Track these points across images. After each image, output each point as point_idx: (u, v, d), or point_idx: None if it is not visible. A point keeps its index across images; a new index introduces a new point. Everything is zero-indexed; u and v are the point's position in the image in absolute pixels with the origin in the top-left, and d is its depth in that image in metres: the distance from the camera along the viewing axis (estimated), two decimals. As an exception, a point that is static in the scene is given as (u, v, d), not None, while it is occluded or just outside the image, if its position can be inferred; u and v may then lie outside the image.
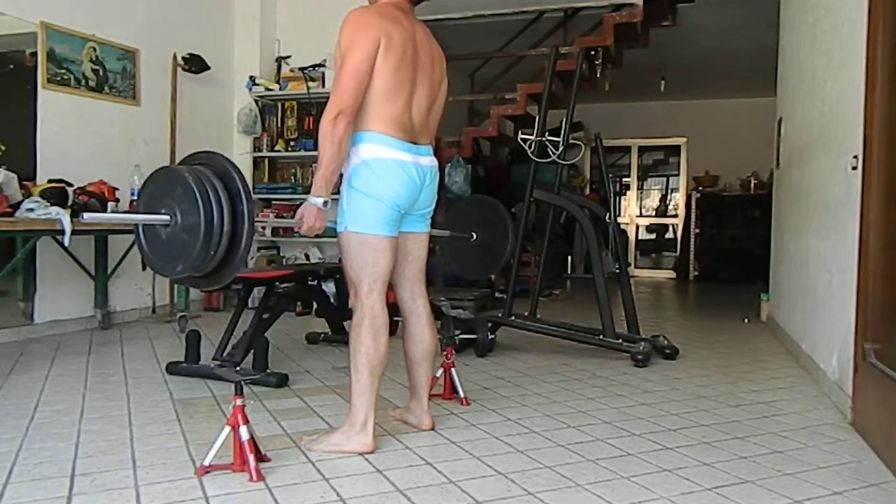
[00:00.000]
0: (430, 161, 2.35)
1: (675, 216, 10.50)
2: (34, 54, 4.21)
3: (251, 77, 5.77)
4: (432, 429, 2.45)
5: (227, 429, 1.98)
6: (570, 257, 9.34)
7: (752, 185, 9.00)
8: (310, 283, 3.91)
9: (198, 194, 1.76)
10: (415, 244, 2.44)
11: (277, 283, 3.56)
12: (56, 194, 3.78)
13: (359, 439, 2.20)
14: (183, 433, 2.38)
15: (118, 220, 1.90)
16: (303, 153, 5.71)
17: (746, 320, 5.35)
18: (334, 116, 2.08)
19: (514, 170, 9.12)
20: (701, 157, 9.82)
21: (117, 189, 4.31)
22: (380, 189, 2.19)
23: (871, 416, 2.38)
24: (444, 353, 2.86)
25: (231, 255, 1.83)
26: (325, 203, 2.14)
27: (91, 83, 4.57)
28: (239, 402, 1.96)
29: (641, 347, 3.68)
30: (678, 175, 10.44)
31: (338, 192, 2.25)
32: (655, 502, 1.86)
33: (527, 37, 6.94)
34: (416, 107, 2.31)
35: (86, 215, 1.79)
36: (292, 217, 6.09)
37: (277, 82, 5.82)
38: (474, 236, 2.99)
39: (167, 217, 1.80)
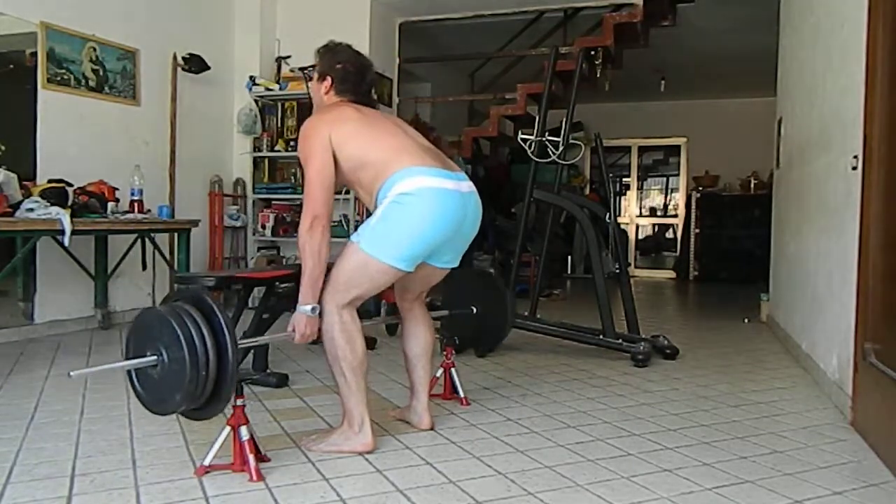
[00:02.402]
0: (469, 187, 2.28)
1: (675, 216, 10.51)
2: (34, 54, 4.21)
3: (251, 77, 5.77)
4: (432, 428, 2.45)
5: (227, 429, 1.98)
6: (570, 257, 9.34)
7: (752, 185, 9.00)
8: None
9: (174, 323, 1.79)
10: (436, 275, 2.40)
11: (277, 283, 3.55)
12: (56, 194, 3.78)
13: (359, 439, 2.20)
14: (183, 433, 2.38)
15: (107, 370, 1.90)
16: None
17: (746, 320, 5.35)
18: (309, 224, 2.10)
19: (514, 170, 9.12)
20: (701, 157, 9.82)
21: (117, 189, 4.31)
22: (418, 222, 2.12)
23: (871, 416, 2.38)
24: (444, 353, 2.86)
25: (222, 372, 1.81)
26: (314, 309, 2.15)
27: (91, 83, 4.57)
28: (239, 402, 1.96)
29: (641, 347, 3.68)
30: (678, 175, 10.44)
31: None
32: (655, 502, 1.86)
33: (527, 37, 6.95)
34: (420, 139, 2.32)
35: (73, 373, 1.79)
36: (291, 214, 6.07)
37: (277, 82, 5.83)
38: (475, 310, 2.92)
39: (154, 357, 1.81)
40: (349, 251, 2.20)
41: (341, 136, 2.17)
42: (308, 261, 2.12)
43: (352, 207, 5.55)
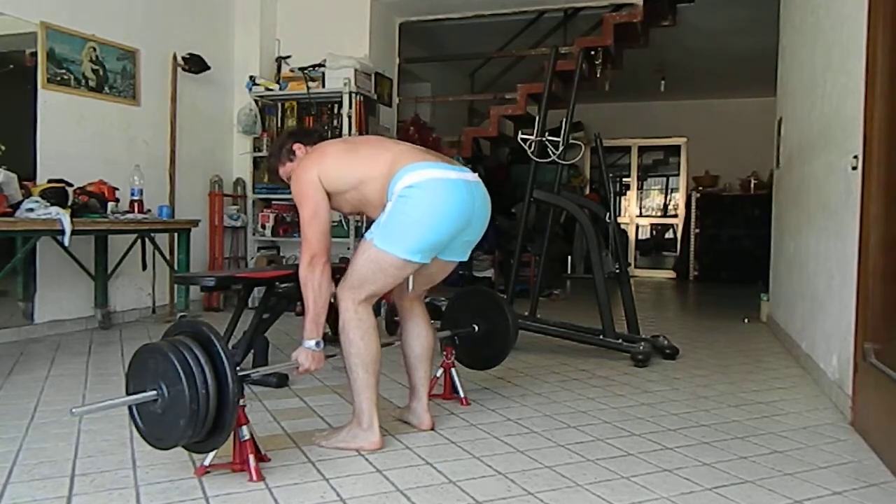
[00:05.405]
0: (475, 177, 2.28)
1: (675, 216, 10.51)
2: (34, 54, 4.20)
3: (251, 77, 5.77)
4: (432, 429, 2.45)
5: (228, 429, 1.98)
6: (570, 257, 9.34)
7: (752, 185, 9.00)
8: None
9: (169, 353, 1.78)
10: (441, 270, 2.40)
11: (277, 283, 3.56)
12: (56, 194, 3.78)
13: (366, 437, 2.22)
14: (183, 433, 2.38)
15: (108, 407, 1.89)
16: (303, 153, 5.71)
17: (746, 320, 5.35)
18: (309, 262, 2.12)
19: (514, 170, 9.11)
20: (701, 157, 9.82)
21: (117, 189, 4.32)
22: (427, 213, 2.12)
23: (871, 416, 2.38)
24: (444, 353, 2.86)
25: (223, 402, 1.81)
26: (318, 343, 2.17)
27: (91, 83, 4.57)
28: (239, 402, 1.96)
29: (641, 347, 3.68)
30: (678, 175, 10.45)
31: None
32: (655, 502, 1.86)
33: (527, 37, 6.95)
34: (416, 145, 2.33)
35: (75, 410, 1.78)
36: (291, 214, 6.05)
37: (277, 82, 5.82)
38: (476, 328, 2.90)
39: (154, 392, 1.81)
40: (362, 248, 2.21)
41: (328, 167, 2.19)
42: (310, 297, 2.13)
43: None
